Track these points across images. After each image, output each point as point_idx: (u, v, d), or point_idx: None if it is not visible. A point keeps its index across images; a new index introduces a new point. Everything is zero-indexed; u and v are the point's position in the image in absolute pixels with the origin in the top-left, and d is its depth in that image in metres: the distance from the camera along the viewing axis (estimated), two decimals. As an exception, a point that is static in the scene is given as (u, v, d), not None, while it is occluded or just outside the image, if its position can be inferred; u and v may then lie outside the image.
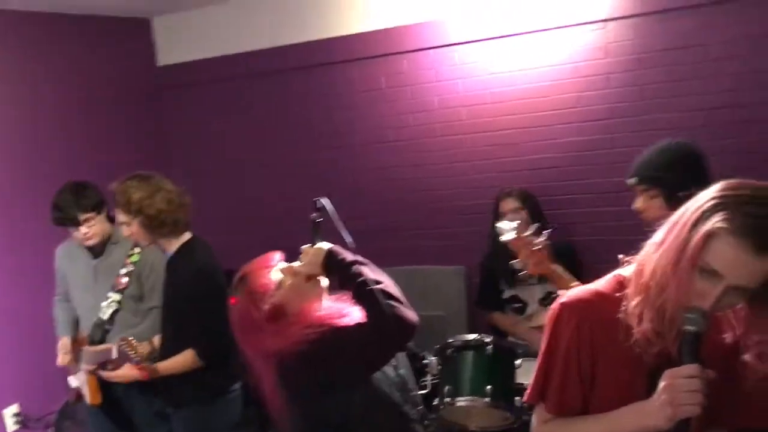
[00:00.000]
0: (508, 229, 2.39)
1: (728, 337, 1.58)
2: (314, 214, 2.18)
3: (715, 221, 1.39)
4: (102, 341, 3.41)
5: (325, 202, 2.26)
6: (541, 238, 2.42)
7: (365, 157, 4.92)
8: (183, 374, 3.06)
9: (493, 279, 4.10)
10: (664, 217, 2.42)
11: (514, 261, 2.41)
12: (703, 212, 1.42)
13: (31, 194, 4.11)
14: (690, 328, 1.45)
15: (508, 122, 4.48)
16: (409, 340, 1.97)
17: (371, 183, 4.91)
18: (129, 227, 3.11)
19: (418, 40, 4.61)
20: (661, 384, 1.46)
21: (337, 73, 4.92)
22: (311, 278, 2.09)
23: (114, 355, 3.17)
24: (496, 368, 3.20)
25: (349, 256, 2.06)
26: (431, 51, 4.61)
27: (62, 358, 3.53)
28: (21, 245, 4.15)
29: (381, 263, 2.16)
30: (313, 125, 5.05)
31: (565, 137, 4.35)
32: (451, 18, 4.50)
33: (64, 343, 3.57)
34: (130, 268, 3.44)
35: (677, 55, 4.06)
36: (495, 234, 3.95)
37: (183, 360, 3.05)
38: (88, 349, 3.36)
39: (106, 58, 4.91)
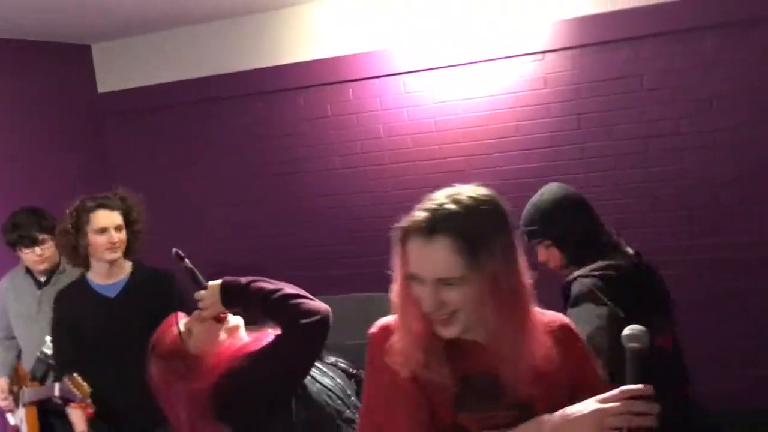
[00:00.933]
0: None
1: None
2: (182, 264, 2.17)
3: (401, 231, 1.49)
4: (44, 377, 3.31)
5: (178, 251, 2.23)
6: None
7: (312, 184, 4.93)
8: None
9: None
10: (562, 264, 2.47)
11: None
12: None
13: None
14: (633, 345, 1.42)
15: (452, 150, 4.55)
16: (327, 328, 1.98)
17: (318, 210, 4.92)
18: (119, 234, 3.07)
19: (363, 68, 4.67)
20: (591, 407, 1.37)
21: (283, 100, 4.94)
22: (220, 319, 2.10)
23: (56, 393, 3.07)
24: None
25: (243, 280, 2.07)
26: (377, 80, 4.67)
27: (5, 404, 3.43)
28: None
29: (325, 290, 2.17)
30: (260, 152, 5.05)
31: (507, 165, 4.44)
32: (397, 48, 4.57)
33: (1, 385, 3.46)
34: None
35: (613, 85, 4.20)
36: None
37: None
38: (27, 390, 3.26)
39: (46, 83, 4.84)
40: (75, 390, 3.00)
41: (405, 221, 1.48)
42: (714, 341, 3.98)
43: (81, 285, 3.14)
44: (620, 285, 2.30)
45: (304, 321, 1.92)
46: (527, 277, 1.48)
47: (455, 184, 1.56)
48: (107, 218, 3.03)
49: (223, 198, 5.19)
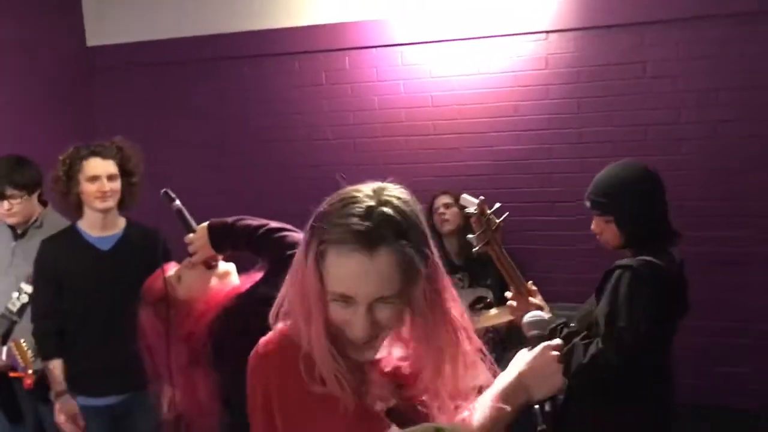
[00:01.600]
0: (471, 203, 2.35)
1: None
2: (173, 204, 2.21)
3: (316, 244, 1.19)
4: (6, 335, 3.17)
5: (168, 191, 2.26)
6: (500, 219, 2.38)
7: (301, 153, 4.82)
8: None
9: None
10: (616, 243, 2.42)
11: (470, 236, 2.36)
12: (306, 243, 1.22)
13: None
14: (534, 332, 1.40)
15: (446, 127, 4.46)
16: None
17: (305, 180, 4.82)
18: (112, 183, 2.99)
19: (361, 37, 4.55)
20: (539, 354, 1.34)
21: (277, 65, 4.82)
22: (211, 266, 2.15)
23: (2, 357, 3.02)
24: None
25: (229, 219, 2.12)
26: (374, 50, 4.56)
27: None
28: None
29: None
30: (249, 117, 4.94)
31: (501, 145, 4.36)
32: (396, 18, 4.46)
33: None
34: None
35: (615, 71, 4.11)
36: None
37: None
38: None
39: (35, 32, 4.69)
40: (18, 357, 2.93)
41: (324, 230, 1.18)
42: (686, 336, 3.94)
43: (71, 234, 3.06)
44: (661, 284, 2.26)
45: (289, 252, 1.89)
46: (449, 285, 1.34)
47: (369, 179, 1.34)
48: (100, 166, 2.95)
49: (209, 161, 5.08)
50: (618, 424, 2.32)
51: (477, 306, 3.96)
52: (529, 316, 1.43)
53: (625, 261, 2.32)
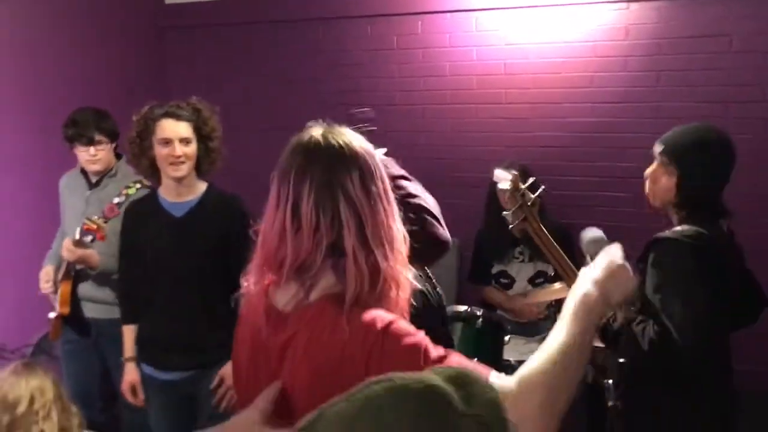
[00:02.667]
0: (504, 178, 2.29)
1: None
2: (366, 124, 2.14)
3: None
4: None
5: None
6: (536, 194, 2.31)
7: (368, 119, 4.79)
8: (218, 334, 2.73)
9: (485, 253, 4.04)
10: (666, 198, 2.32)
11: (505, 212, 2.30)
12: None
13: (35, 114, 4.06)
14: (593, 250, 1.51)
15: (518, 96, 4.37)
16: (439, 256, 2.16)
17: (373, 144, 4.80)
18: (185, 147, 2.84)
19: (435, 2, 4.48)
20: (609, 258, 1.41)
21: (349, 28, 4.78)
22: None
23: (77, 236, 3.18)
24: (485, 342, 3.15)
25: (396, 170, 2.17)
26: (448, 14, 4.47)
27: (43, 286, 3.46)
28: (26, 169, 4.05)
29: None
30: (318, 80, 4.92)
31: (574, 117, 4.24)
32: (472, -18, 4.36)
33: (47, 271, 3.48)
34: (124, 198, 3.28)
35: (699, 44, 3.94)
36: (490, 208, 3.92)
37: None
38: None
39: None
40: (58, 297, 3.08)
41: None
42: None
43: (151, 199, 2.99)
44: (707, 258, 2.17)
45: (425, 240, 1.87)
46: None
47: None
48: (172, 129, 2.80)
49: (278, 124, 5.09)
50: (679, 410, 2.25)
51: (538, 281, 3.91)
52: (589, 235, 1.45)
53: (669, 233, 2.23)
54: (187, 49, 5.32)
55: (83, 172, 3.53)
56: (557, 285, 3.44)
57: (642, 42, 4.05)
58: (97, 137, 3.36)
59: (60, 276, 3.36)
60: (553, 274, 3.81)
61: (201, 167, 2.92)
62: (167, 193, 2.92)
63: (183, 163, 2.83)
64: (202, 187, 2.95)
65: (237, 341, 1.58)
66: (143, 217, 2.96)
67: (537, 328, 3.75)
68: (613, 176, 4.16)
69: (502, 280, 3.98)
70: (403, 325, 1.34)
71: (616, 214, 4.14)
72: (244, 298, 1.56)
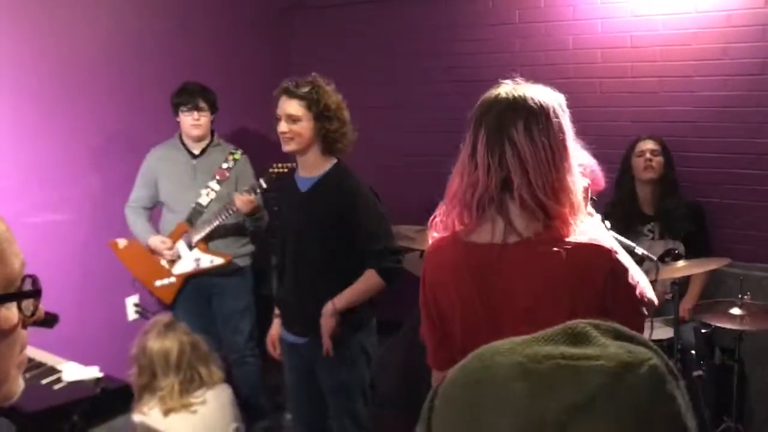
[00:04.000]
0: None
1: None
2: None
3: None
4: (193, 222, 3.81)
5: None
6: None
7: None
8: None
9: (613, 231, 3.95)
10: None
11: None
12: None
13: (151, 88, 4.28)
14: None
15: (646, 69, 4.21)
16: None
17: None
18: (292, 125, 2.87)
19: (559, -26, 4.38)
20: None
21: (471, 2, 4.75)
22: None
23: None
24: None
25: None
26: (571, -13, 4.37)
27: (171, 252, 3.78)
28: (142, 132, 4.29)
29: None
30: (441, 55, 4.92)
31: (706, 90, 4.06)
32: (598, -48, 4.23)
33: (162, 239, 3.79)
34: (232, 163, 3.85)
35: None
36: (621, 184, 3.83)
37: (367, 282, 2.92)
38: (195, 230, 3.80)
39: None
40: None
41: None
42: None
43: (290, 173, 3.18)
44: None
45: None
46: None
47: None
48: (283, 106, 2.87)
49: (400, 100, 5.15)
50: None
51: (666, 258, 3.79)
52: None
53: None
54: (309, 28, 5.44)
55: (182, 143, 3.90)
56: (681, 263, 3.34)
57: (783, 9, 3.82)
58: (201, 104, 3.77)
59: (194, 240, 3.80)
60: (678, 252, 3.70)
61: (326, 147, 2.93)
62: (300, 169, 3.05)
63: (291, 139, 2.88)
64: (327, 164, 2.98)
65: (438, 284, 1.76)
66: (281, 189, 3.24)
67: (661, 309, 3.65)
68: (747, 152, 3.96)
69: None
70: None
71: (749, 192, 3.94)
72: (430, 251, 1.80)
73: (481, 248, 1.68)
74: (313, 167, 2.98)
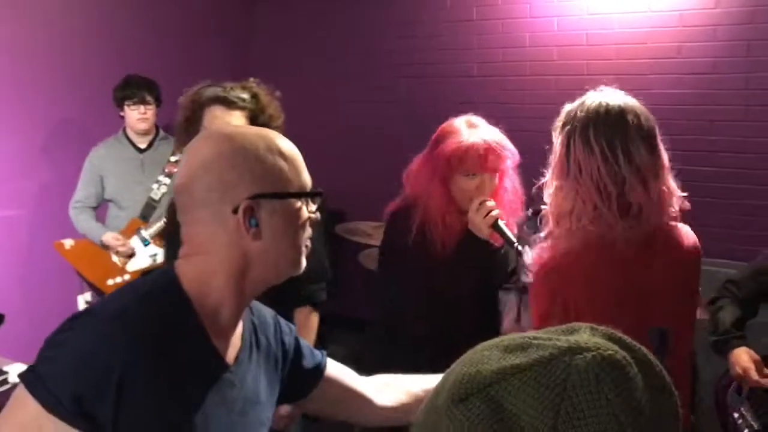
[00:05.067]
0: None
1: None
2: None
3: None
4: (147, 218, 3.77)
5: None
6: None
7: (446, 89, 4.77)
8: None
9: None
10: None
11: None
12: None
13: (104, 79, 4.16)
14: None
15: (602, 67, 4.26)
16: None
17: (449, 115, 4.78)
18: None
19: (516, -29, 4.40)
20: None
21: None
22: None
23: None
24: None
25: None
26: (528, -16, 4.40)
27: (125, 248, 3.71)
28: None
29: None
30: (397, 51, 4.92)
31: (662, 88, 4.12)
32: (554, -50, 4.26)
33: (115, 236, 3.71)
34: (180, 157, 3.60)
35: (796, 11, 3.76)
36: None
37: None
38: (147, 227, 3.77)
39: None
40: None
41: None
42: None
43: None
44: None
45: None
46: None
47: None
48: (222, 118, 2.31)
49: (355, 97, 5.13)
50: None
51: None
52: None
53: None
54: (269, 20, 5.39)
55: (127, 138, 3.84)
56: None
57: (733, 10, 3.89)
58: (148, 98, 3.73)
59: (147, 235, 3.77)
60: None
61: None
62: None
63: None
64: None
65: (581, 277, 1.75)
66: None
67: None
68: (699, 149, 4.03)
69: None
70: None
71: (703, 188, 4.02)
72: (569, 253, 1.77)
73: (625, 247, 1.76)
74: None
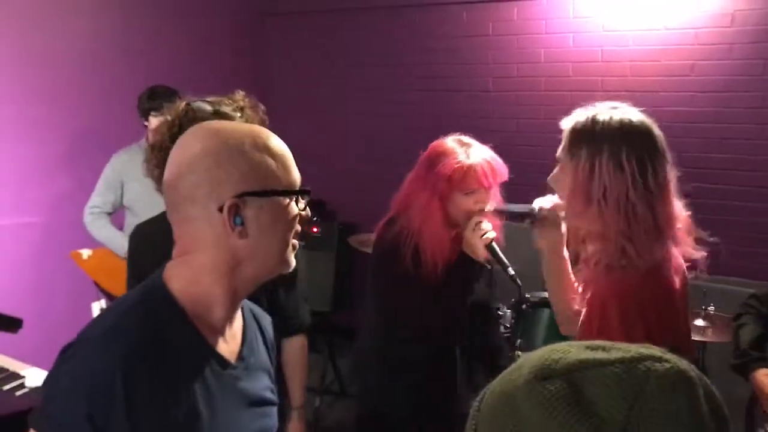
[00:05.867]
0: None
1: None
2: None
3: None
4: None
5: None
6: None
7: (459, 103, 4.81)
8: None
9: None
10: None
11: None
12: None
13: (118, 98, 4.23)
14: None
15: (616, 83, 4.28)
16: None
17: (464, 131, 4.80)
18: None
19: (532, -13, 4.44)
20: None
21: (445, 14, 4.79)
22: None
23: None
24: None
25: None
26: (544, 1, 4.43)
27: None
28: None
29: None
30: (413, 65, 4.96)
31: (675, 106, 4.13)
32: (570, -32, 4.29)
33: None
34: None
35: (812, 31, 3.76)
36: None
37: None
38: None
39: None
40: None
41: None
42: None
43: None
44: None
45: None
46: None
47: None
48: None
49: (373, 109, 5.17)
50: None
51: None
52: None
53: None
54: (284, 36, 5.45)
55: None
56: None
57: (749, 29, 3.90)
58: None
59: None
60: None
61: None
62: None
63: None
64: None
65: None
66: None
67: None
68: (712, 167, 4.03)
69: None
70: None
71: (713, 206, 4.02)
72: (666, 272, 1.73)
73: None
74: None
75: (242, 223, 1.15)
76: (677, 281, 1.73)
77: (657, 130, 1.83)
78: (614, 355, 0.67)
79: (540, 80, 4.51)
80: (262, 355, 1.36)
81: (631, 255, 1.65)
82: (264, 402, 1.33)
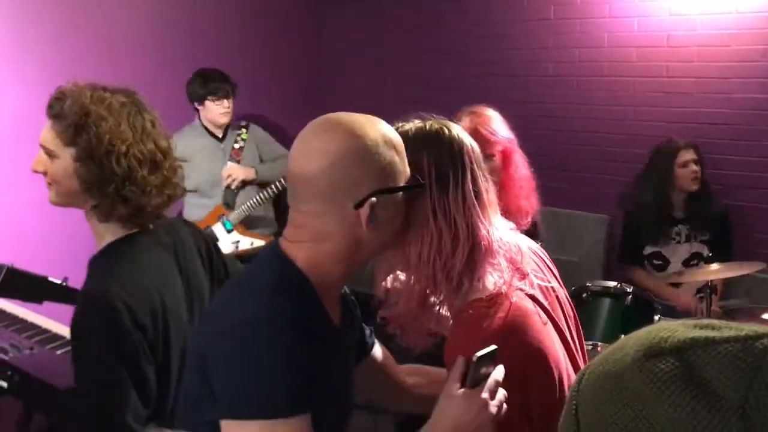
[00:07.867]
0: None
1: None
2: None
3: None
4: (231, 205, 3.91)
5: None
6: None
7: (520, 88, 4.71)
8: None
9: (637, 233, 3.91)
10: None
11: None
12: None
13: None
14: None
15: (682, 69, 4.14)
16: None
17: (522, 117, 4.72)
18: (52, 164, 1.71)
19: (596, -30, 4.32)
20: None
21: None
22: None
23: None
24: (634, 319, 3.09)
25: None
26: (609, -17, 4.31)
27: None
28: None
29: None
30: (470, 51, 4.88)
31: (743, 93, 3.97)
32: (636, -51, 4.16)
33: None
34: (242, 143, 4.03)
35: None
36: (646, 186, 3.78)
37: None
38: (233, 214, 3.90)
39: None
40: None
41: None
42: None
43: None
44: None
45: None
46: None
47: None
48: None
49: (426, 94, 5.11)
50: None
51: (692, 262, 3.76)
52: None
53: None
54: (340, 17, 5.43)
55: (204, 128, 3.96)
56: (714, 266, 3.28)
57: (826, 12, 3.73)
58: (229, 92, 3.85)
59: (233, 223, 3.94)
60: (709, 254, 3.71)
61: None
62: None
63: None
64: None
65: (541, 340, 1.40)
66: None
67: (688, 311, 3.61)
68: (783, 157, 3.88)
69: (655, 262, 3.86)
70: None
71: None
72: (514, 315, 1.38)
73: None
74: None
75: (377, 218, 1.25)
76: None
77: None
78: (726, 333, 0.65)
79: (603, 65, 4.39)
80: (356, 316, 1.51)
81: None
82: (353, 357, 1.48)
